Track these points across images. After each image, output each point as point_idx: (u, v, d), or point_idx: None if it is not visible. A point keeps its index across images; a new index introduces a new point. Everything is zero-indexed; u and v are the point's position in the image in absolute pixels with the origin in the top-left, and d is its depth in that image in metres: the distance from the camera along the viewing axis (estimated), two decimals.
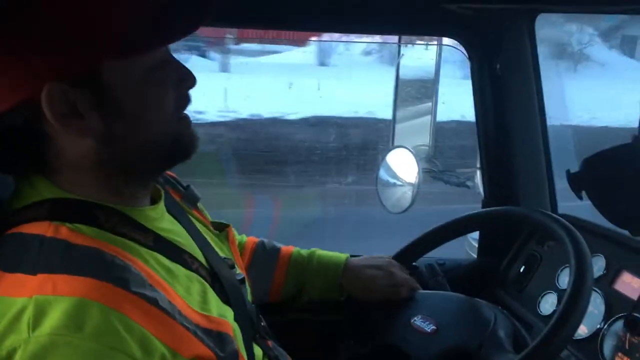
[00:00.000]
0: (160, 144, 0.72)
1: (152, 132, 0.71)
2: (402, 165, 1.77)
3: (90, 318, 0.60)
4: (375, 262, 1.14)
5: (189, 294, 0.72)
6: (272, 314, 1.05)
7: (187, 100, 0.75)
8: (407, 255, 1.23)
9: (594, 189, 0.82)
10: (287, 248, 1.16)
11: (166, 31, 0.69)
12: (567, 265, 0.95)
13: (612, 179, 0.83)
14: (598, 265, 1.20)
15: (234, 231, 1.01)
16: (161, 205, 0.80)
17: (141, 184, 0.76)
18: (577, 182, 0.85)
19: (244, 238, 1.16)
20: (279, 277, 1.12)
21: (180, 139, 0.74)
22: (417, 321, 1.07)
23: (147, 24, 0.67)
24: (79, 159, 0.70)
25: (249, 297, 0.91)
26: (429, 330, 1.04)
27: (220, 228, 0.96)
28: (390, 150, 1.80)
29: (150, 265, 0.70)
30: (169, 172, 0.93)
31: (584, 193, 0.97)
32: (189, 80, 0.74)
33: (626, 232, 1.20)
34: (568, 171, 0.87)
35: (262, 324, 0.92)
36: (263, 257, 1.12)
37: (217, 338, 0.71)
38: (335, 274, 1.11)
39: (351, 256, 1.18)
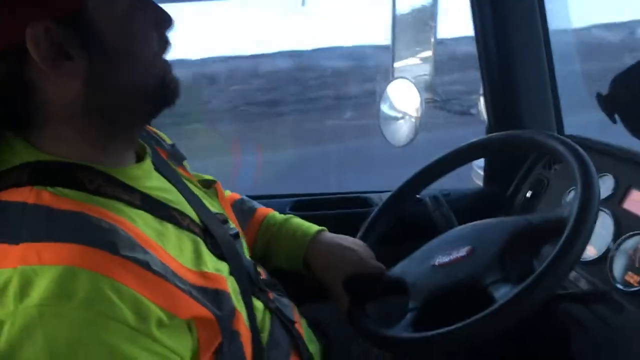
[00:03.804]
0: (147, 84, 0.70)
1: (139, 71, 0.69)
2: (404, 97, 1.73)
3: (79, 286, 0.57)
4: (342, 241, 1.05)
5: (181, 253, 0.70)
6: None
7: (167, 43, 0.72)
8: (411, 187, 1.21)
9: (626, 108, 0.76)
10: (263, 210, 1.12)
11: None
12: (575, 187, 0.93)
13: None
14: (606, 184, 1.17)
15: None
16: (148, 162, 0.78)
17: (126, 137, 0.74)
18: (609, 104, 0.79)
19: (227, 193, 1.11)
20: (248, 238, 1.07)
21: (165, 80, 0.72)
22: (441, 259, 0.92)
23: None
24: (66, 107, 0.67)
25: (245, 252, 0.89)
26: (464, 254, 0.90)
27: (207, 185, 0.92)
28: (390, 82, 1.76)
29: (139, 225, 0.67)
30: (153, 130, 0.90)
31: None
32: (168, 21, 0.71)
33: (637, 150, 1.16)
34: (599, 94, 0.81)
35: (261, 277, 0.90)
36: (238, 215, 1.06)
37: (214, 296, 0.69)
38: (301, 244, 1.04)
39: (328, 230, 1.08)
